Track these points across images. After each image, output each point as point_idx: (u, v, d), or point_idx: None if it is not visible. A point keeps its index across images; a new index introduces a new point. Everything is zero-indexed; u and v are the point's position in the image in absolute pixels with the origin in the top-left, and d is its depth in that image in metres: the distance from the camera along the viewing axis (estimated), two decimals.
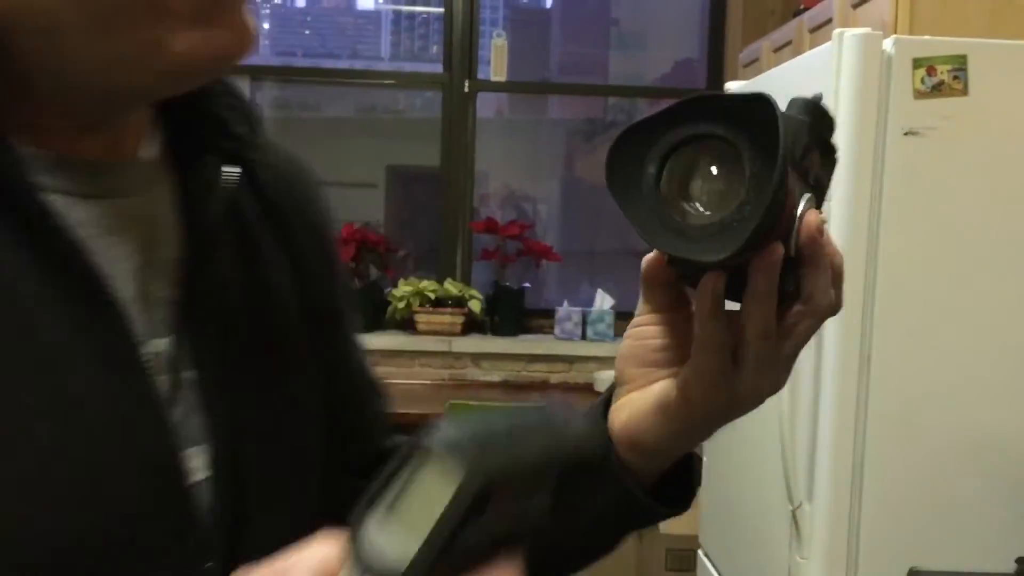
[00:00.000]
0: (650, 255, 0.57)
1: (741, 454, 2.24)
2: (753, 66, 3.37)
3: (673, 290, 0.59)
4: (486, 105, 4.22)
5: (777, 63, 2.99)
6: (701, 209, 0.51)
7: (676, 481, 0.63)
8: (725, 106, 0.49)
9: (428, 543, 0.37)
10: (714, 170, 0.50)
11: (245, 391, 0.58)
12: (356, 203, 4.56)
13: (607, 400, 0.63)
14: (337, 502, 0.54)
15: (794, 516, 1.82)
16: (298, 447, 0.62)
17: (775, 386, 0.56)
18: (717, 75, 4.00)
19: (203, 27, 0.47)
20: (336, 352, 0.71)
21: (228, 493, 0.55)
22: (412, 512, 0.38)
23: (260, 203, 0.65)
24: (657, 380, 0.59)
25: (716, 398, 0.55)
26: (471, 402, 3.20)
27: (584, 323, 3.79)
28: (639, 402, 0.60)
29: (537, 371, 3.75)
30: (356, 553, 0.39)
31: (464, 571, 0.39)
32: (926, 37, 1.75)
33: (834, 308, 0.56)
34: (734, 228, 0.48)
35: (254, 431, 0.58)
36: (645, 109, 4.52)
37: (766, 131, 0.48)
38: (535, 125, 4.97)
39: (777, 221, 0.49)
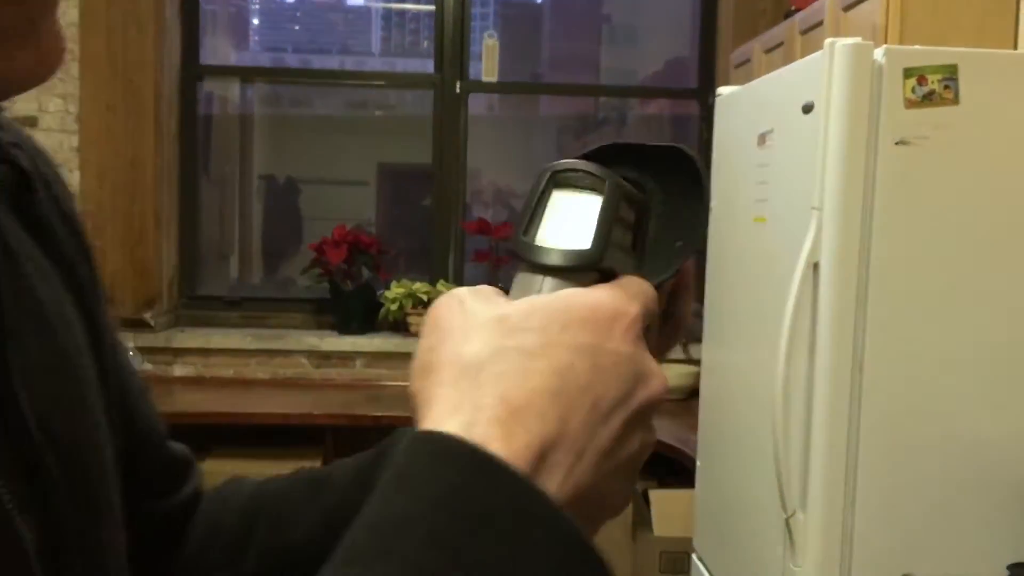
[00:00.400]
0: None
1: (734, 461, 2.25)
2: (744, 67, 3.37)
3: None
4: (477, 102, 4.21)
5: (769, 64, 3.00)
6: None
7: None
8: (638, 153, 0.54)
9: (602, 226, 0.48)
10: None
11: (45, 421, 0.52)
12: (348, 201, 4.56)
13: None
14: (140, 518, 0.58)
15: (788, 524, 1.83)
16: (104, 469, 0.58)
17: None
18: (708, 75, 4.00)
19: (13, 47, 0.43)
20: (112, 358, 0.63)
21: (42, 526, 0.50)
22: (567, 219, 0.49)
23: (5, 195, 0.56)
24: None
25: None
26: None
27: None
28: None
29: None
30: (533, 258, 0.48)
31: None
32: (917, 47, 1.75)
33: (687, 330, 0.58)
34: (651, 263, 0.54)
35: (58, 464, 0.53)
36: (636, 106, 4.53)
37: (675, 175, 0.54)
38: (526, 122, 4.97)
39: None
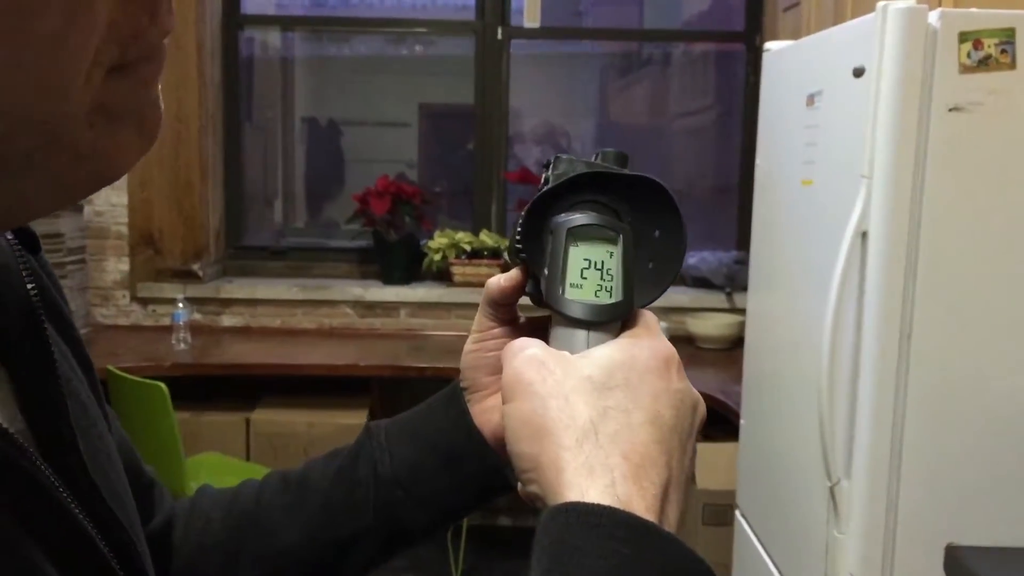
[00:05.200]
0: (500, 281, 0.64)
1: (779, 422, 2.25)
2: (792, 11, 3.29)
3: (512, 308, 0.67)
4: (519, 38, 4.14)
5: (819, 8, 2.92)
6: None
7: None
8: (610, 180, 0.58)
9: (625, 274, 0.56)
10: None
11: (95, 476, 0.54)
12: (390, 143, 4.55)
13: (456, 398, 0.69)
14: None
15: (832, 492, 1.83)
16: (134, 510, 0.61)
17: None
18: (756, 18, 3.91)
19: (108, 123, 0.42)
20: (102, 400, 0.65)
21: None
22: (593, 273, 0.56)
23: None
24: None
25: None
26: None
27: None
28: None
29: None
30: (568, 315, 0.55)
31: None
32: (972, 10, 1.70)
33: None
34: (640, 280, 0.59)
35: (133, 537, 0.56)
36: (679, 46, 4.44)
37: (645, 200, 0.59)
38: (569, 59, 4.89)
39: None
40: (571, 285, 0.56)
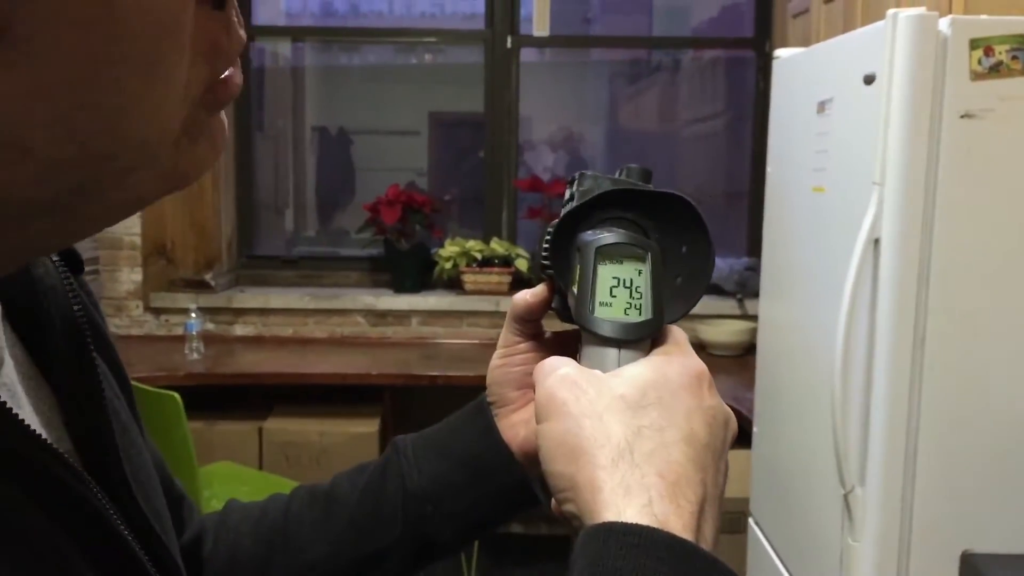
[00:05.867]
0: (526, 297, 0.65)
1: (792, 429, 2.25)
2: (802, 17, 3.28)
3: (538, 324, 0.68)
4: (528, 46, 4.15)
5: (828, 16, 2.92)
6: None
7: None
8: (635, 197, 0.59)
9: (654, 291, 0.56)
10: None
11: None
12: (400, 151, 4.56)
13: (483, 413, 0.70)
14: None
15: (846, 500, 1.83)
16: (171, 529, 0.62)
17: None
18: (765, 24, 3.91)
19: (191, 143, 0.43)
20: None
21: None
22: (622, 292, 0.56)
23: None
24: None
25: None
26: None
27: None
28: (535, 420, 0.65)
29: None
30: (599, 333, 0.55)
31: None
32: (983, 17, 1.70)
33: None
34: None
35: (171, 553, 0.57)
36: (688, 52, 4.45)
37: (671, 216, 0.59)
38: (578, 67, 4.90)
39: None
40: (601, 304, 0.56)
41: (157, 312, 3.80)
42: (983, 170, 1.70)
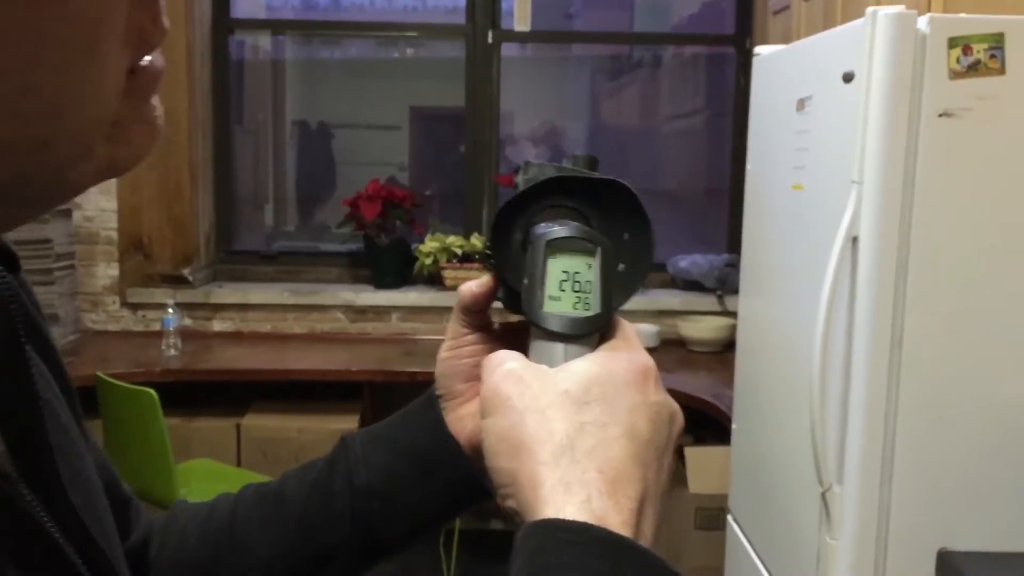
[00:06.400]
0: (472, 288, 0.65)
1: (771, 427, 2.25)
2: (783, 15, 3.29)
3: (485, 315, 0.67)
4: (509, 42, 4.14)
5: (808, 14, 2.92)
6: None
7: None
8: (578, 184, 0.59)
9: (604, 285, 0.56)
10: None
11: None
12: (380, 146, 4.55)
13: (431, 406, 0.69)
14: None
15: (824, 498, 1.83)
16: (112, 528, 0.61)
17: None
18: (745, 21, 3.91)
19: (123, 133, 0.43)
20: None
21: None
22: (571, 286, 0.56)
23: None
24: None
25: None
26: None
27: None
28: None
29: None
30: (546, 327, 0.55)
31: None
32: (962, 15, 1.70)
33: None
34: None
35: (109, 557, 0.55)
36: (669, 49, 4.45)
37: (613, 204, 0.60)
38: (559, 62, 4.90)
39: None
40: (550, 298, 0.56)
41: (134, 307, 3.77)
42: (961, 169, 1.70)
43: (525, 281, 0.57)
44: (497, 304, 0.65)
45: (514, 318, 0.65)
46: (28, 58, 0.35)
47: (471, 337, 0.67)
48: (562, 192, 0.60)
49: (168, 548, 0.73)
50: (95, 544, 0.52)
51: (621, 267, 0.60)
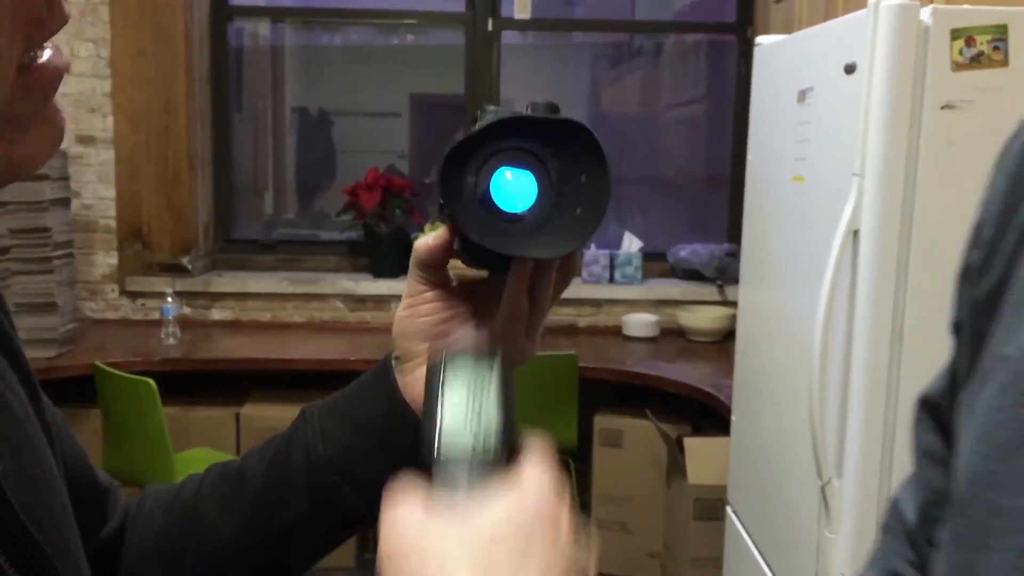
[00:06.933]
0: (428, 241, 0.63)
1: (770, 418, 2.24)
2: (784, 3, 3.27)
3: (443, 270, 0.65)
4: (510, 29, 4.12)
5: (810, 1, 2.91)
6: (515, 210, 0.59)
7: None
8: (532, 124, 0.57)
9: (504, 406, 0.51)
10: (518, 177, 0.59)
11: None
12: (380, 133, 4.53)
13: (386, 374, 0.67)
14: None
15: (823, 492, 1.82)
16: (76, 539, 0.60)
17: (542, 338, 0.67)
18: (747, 9, 3.89)
19: (20, 132, 0.42)
20: (45, 404, 0.63)
21: None
22: (469, 417, 0.50)
23: None
24: None
25: (516, 357, 0.63)
26: None
27: (612, 266, 3.78)
28: None
29: (565, 314, 3.75)
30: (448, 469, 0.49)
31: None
32: (965, 7, 1.68)
33: (578, 273, 0.67)
34: (553, 225, 0.58)
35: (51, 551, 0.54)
36: (671, 36, 4.43)
37: (569, 144, 0.57)
38: (560, 49, 4.87)
39: None
40: (446, 433, 0.50)
41: (133, 296, 3.76)
42: (963, 161, 1.69)
43: (424, 421, 0.52)
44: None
45: (478, 274, 0.63)
46: None
47: (429, 295, 0.65)
48: (517, 135, 0.57)
49: (136, 533, 0.72)
50: (35, 545, 0.51)
51: (579, 211, 0.58)
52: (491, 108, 0.58)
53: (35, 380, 0.61)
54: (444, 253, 0.63)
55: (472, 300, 0.63)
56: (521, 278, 0.61)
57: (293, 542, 0.68)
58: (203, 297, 3.77)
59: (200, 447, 3.17)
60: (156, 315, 3.57)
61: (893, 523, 0.75)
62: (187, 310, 3.71)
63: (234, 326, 3.74)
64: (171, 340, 3.38)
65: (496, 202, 0.58)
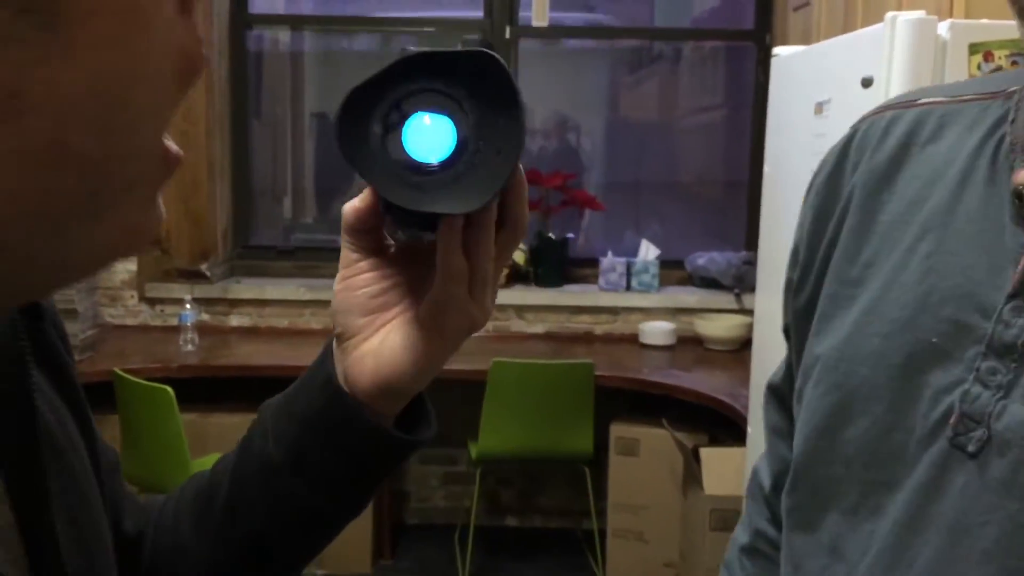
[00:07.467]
0: (355, 204, 0.58)
1: None
2: (803, 11, 3.26)
3: (377, 235, 0.60)
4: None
5: (829, 10, 2.90)
6: (430, 161, 0.53)
7: (411, 417, 0.65)
8: (441, 61, 0.52)
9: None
10: (433, 122, 0.53)
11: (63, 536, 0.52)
12: None
13: (324, 361, 0.63)
14: None
15: None
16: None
17: (494, 301, 0.61)
18: (765, 16, 3.88)
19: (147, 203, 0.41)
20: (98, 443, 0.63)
21: None
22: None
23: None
24: (384, 325, 0.60)
25: (462, 323, 0.58)
26: (516, 359, 3.22)
27: (629, 274, 3.77)
28: (384, 348, 0.59)
29: (581, 322, 3.75)
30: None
31: None
32: (983, 21, 1.67)
33: (526, 229, 0.60)
34: (472, 177, 0.52)
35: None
36: (689, 44, 4.42)
37: (485, 83, 0.51)
38: (578, 54, 4.87)
39: None
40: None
41: (152, 302, 3.79)
42: None
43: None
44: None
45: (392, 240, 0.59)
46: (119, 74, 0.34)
47: (363, 264, 0.60)
48: (429, 74, 0.52)
49: (148, 549, 0.70)
50: (57, 558, 0.50)
51: (499, 154, 0.53)
52: (413, 49, 0.52)
53: (93, 425, 0.59)
54: (373, 216, 0.58)
55: (413, 266, 0.59)
56: (451, 236, 0.55)
57: (268, 552, 0.65)
58: (221, 303, 3.79)
59: (217, 453, 3.18)
60: (175, 321, 3.59)
61: (755, 489, 0.89)
62: (205, 316, 3.73)
63: (252, 333, 3.76)
64: (189, 347, 3.40)
65: (409, 153, 0.53)
